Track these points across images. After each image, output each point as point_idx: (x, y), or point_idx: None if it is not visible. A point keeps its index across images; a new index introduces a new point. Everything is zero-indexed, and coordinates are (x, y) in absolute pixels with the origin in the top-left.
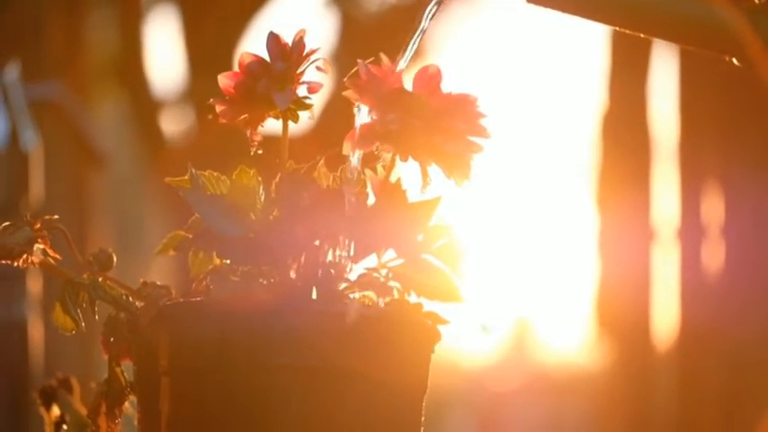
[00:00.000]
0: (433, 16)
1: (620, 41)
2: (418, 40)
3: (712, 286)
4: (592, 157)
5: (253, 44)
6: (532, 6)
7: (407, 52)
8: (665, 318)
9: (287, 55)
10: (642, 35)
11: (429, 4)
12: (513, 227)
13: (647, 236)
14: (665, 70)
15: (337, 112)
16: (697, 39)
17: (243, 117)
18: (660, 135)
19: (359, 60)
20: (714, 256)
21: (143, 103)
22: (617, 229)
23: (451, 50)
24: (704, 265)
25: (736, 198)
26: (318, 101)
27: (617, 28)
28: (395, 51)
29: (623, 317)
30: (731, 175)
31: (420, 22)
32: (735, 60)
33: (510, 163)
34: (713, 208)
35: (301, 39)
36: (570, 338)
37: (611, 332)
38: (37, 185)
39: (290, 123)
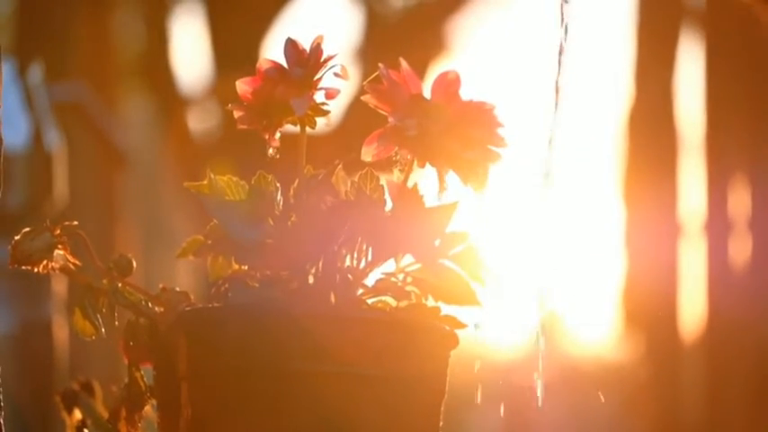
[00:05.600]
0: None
1: (647, 36)
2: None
3: (739, 279)
4: (619, 151)
5: (278, 42)
6: None
7: (561, 56)
8: (693, 311)
9: (304, 61)
10: None
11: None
12: (540, 220)
13: (674, 229)
14: (691, 65)
15: (358, 114)
16: None
17: (261, 122)
18: (687, 129)
19: (380, 65)
20: (741, 249)
21: (167, 103)
22: (644, 222)
23: (476, 44)
24: (731, 258)
25: (763, 191)
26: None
27: None
28: (420, 48)
29: (651, 310)
30: (758, 168)
31: (563, 20)
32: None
33: (537, 156)
34: (740, 201)
35: (319, 45)
36: (598, 331)
37: (638, 325)
38: (61, 186)
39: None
